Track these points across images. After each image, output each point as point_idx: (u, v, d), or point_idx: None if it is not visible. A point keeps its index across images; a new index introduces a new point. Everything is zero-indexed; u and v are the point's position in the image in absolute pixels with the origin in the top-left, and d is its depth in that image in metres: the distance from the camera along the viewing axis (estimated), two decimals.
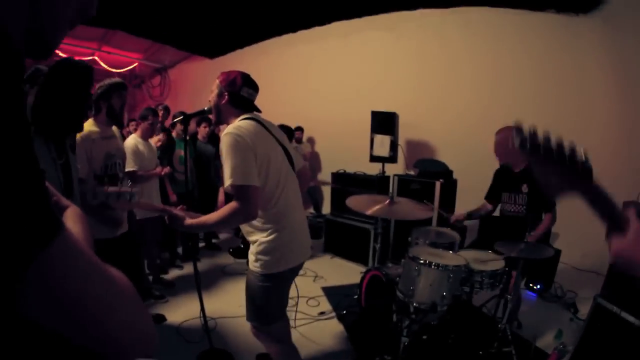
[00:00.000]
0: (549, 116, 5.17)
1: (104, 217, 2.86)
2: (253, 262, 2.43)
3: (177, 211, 2.33)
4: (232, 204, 2.17)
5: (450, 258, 3.01)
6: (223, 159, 2.20)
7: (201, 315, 3.17)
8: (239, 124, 2.28)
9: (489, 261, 3.20)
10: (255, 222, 2.36)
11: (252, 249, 2.43)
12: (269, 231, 2.37)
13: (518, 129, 0.96)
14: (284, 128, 5.12)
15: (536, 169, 0.99)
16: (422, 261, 2.86)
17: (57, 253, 0.52)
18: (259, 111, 2.53)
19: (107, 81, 2.93)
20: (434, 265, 2.83)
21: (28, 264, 0.49)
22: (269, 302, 2.50)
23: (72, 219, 0.96)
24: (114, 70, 10.13)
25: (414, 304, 2.92)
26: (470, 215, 4.04)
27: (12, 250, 0.48)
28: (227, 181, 2.15)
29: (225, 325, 3.83)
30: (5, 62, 0.49)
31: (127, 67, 10.76)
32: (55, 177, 2.05)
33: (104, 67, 9.88)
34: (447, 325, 3.31)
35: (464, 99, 6.04)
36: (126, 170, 3.29)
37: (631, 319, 2.56)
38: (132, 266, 3.48)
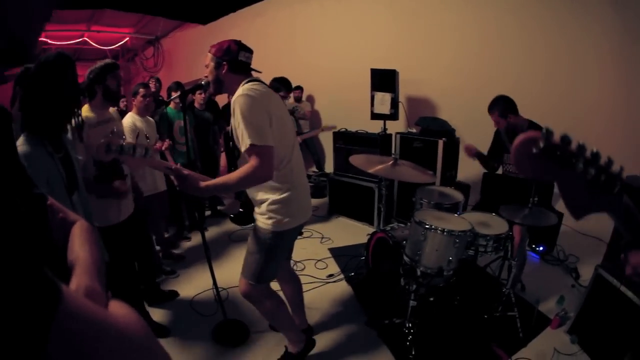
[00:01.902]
0: (556, 77, 5.09)
1: (104, 191, 2.87)
2: (264, 219, 2.51)
3: (190, 172, 2.34)
4: (251, 164, 2.22)
5: (456, 222, 3.03)
6: (237, 121, 2.23)
7: (214, 289, 3.26)
8: (250, 87, 2.30)
9: (493, 225, 3.23)
10: (268, 182, 2.41)
11: (263, 208, 2.51)
12: (282, 190, 2.46)
13: (548, 133, 0.84)
14: (281, 80, 5.08)
15: (561, 184, 0.90)
16: (428, 226, 2.89)
17: (59, 332, 0.48)
18: (259, 72, 2.56)
19: (98, 64, 2.89)
20: (440, 231, 2.85)
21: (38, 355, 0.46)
22: (273, 259, 2.61)
23: (79, 240, 0.94)
24: (105, 47, 9.96)
25: (421, 269, 2.97)
26: (481, 156, 4.03)
27: (17, 348, 0.45)
28: (246, 141, 2.20)
29: (237, 295, 3.85)
30: None
31: (118, 42, 10.62)
32: (56, 172, 2.05)
33: (95, 46, 9.72)
34: (453, 288, 3.37)
35: (464, 56, 5.92)
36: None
37: (629, 294, 2.61)
38: (142, 245, 3.53)
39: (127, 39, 10.63)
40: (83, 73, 2.82)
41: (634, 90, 4.73)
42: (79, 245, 0.92)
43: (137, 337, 0.62)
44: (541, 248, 4.48)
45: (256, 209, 2.58)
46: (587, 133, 4.81)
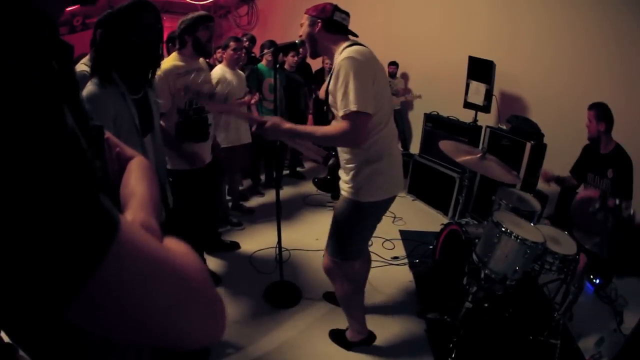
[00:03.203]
0: None
1: (181, 152, 2.94)
2: (349, 188, 2.45)
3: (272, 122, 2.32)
4: (344, 125, 2.16)
5: (531, 232, 2.88)
6: (340, 83, 2.16)
7: (277, 247, 3.31)
8: (358, 49, 2.24)
9: (564, 243, 3.05)
10: (358, 150, 2.36)
11: (350, 176, 2.43)
12: (373, 159, 2.38)
13: (603, 196, 0.79)
14: None
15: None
16: (504, 229, 2.77)
17: (114, 262, 0.45)
18: (356, 35, 2.48)
19: (191, 15, 2.92)
20: (515, 237, 2.73)
21: (81, 287, 0.43)
22: (356, 233, 2.56)
23: (136, 175, 0.91)
24: (196, 2, 9.98)
25: (486, 272, 2.89)
26: (559, 180, 3.99)
27: (61, 275, 0.42)
28: (344, 106, 2.14)
29: (298, 258, 3.96)
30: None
31: None
32: (127, 113, 2.08)
33: (185, 0, 9.77)
34: (510, 299, 3.25)
35: (565, 61, 5.51)
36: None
37: None
38: (211, 196, 3.59)
39: None
40: (171, 25, 2.84)
41: None
42: (136, 180, 0.89)
43: (194, 277, 0.59)
44: (597, 280, 4.24)
45: (343, 177, 2.51)
46: None
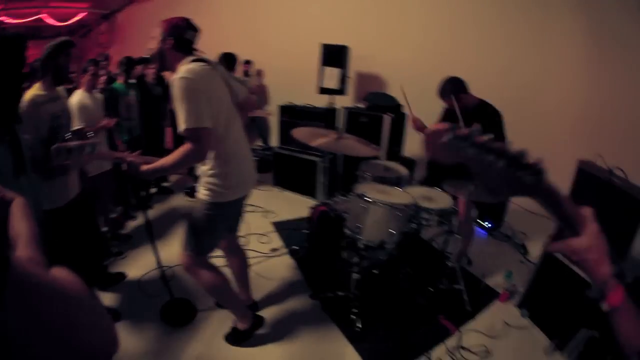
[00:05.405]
0: (511, 64, 5.14)
1: (52, 168, 2.79)
2: (203, 191, 2.58)
3: (134, 157, 2.44)
4: (186, 146, 2.27)
5: (398, 195, 3.06)
6: (176, 103, 2.25)
7: (158, 268, 3.25)
8: (191, 67, 2.29)
9: (437, 199, 3.25)
10: (209, 158, 2.48)
11: (203, 180, 2.58)
12: (219, 164, 2.52)
13: (454, 127, 0.86)
14: (227, 55, 5.06)
15: (474, 170, 0.88)
16: (368, 199, 2.90)
17: (12, 290, 0.53)
18: (202, 53, 2.54)
19: (52, 43, 2.78)
20: (381, 204, 2.87)
21: None
22: (210, 231, 2.67)
23: (17, 216, 1.02)
24: (62, 23, 9.47)
25: (363, 242, 3.00)
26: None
27: None
28: (182, 125, 2.23)
29: (184, 273, 3.86)
30: None
31: (74, 18, 10.03)
32: (3, 156, 1.96)
33: (51, 24, 9.27)
34: (397, 261, 3.42)
35: (418, 34, 5.95)
36: (73, 129, 3.17)
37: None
38: (88, 228, 3.41)
39: (85, 13, 10.10)
40: (37, 52, 2.72)
41: (602, 90, 4.93)
42: (18, 221, 1.00)
43: (80, 295, 0.68)
44: (488, 224, 4.57)
45: (200, 180, 2.63)
46: (550, 128, 5.01)
